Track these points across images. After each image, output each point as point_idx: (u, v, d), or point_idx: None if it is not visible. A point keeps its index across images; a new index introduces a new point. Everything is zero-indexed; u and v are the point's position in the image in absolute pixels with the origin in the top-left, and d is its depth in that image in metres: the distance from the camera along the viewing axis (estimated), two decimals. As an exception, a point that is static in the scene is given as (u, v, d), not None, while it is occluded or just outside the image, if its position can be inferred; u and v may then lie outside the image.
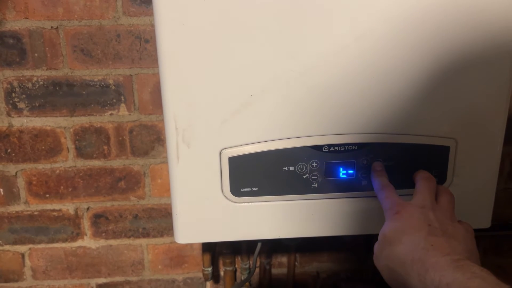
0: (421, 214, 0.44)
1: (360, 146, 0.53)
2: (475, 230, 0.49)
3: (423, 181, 0.50)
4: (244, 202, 0.55)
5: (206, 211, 0.55)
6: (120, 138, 0.84)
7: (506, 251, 0.96)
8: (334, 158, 0.53)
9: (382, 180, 0.52)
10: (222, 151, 0.52)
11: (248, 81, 0.50)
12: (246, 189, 0.54)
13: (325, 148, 0.53)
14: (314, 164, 0.53)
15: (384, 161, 0.54)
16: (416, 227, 0.43)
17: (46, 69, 0.79)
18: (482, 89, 0.52)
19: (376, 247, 0.46)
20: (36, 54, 0.78)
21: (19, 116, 0.82)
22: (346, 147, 0.53)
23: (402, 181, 0.54)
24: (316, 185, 0.54)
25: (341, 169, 0.54)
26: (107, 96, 0.81)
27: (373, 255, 0.47)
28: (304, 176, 0.54)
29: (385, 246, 0.44)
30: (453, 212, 0.47)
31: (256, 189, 0.54)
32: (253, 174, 0.53)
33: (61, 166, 0.85)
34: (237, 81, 0.50)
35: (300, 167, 0.53)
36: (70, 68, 0.79)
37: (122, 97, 0.81)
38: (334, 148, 0.53)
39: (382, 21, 0.48)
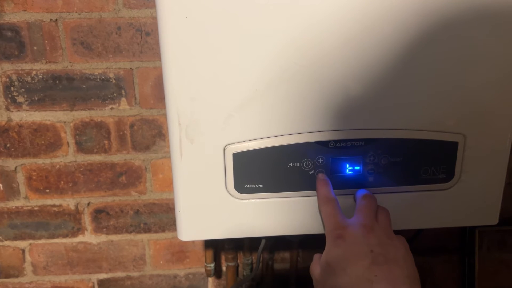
0: (363, 238, 0.45)
1: (367, 141, 0.52)
2: (482, 227, 0.48)
3: (364, 199, 0.50)
4: (249, 199, 0.54)
5: (209, 208, 0.54)
6: (121, 133, 0.83)
7: (510, 246, 0.95)
8: (340, 154, 0.52)
9: (325, 192, 0.51)
10: (226, 147, 0.51)
11: (253, 75, 0.49)
12: (250, 186, 0.53)
13: (331, 144, 0.52)
14: (320, 160, 0.52)
15: (391, 156, 0.53)
16: (359, 255, 0.43)
17: (45, 63, 0.78)
18: (491, 84, 0.51)
19: (318, 273, 0.46)
20: (35, 47, 0.77)
21: (18, 111, 0.80)
22: (352, 142, 0.52)
23: (409, 177, 0.54)
24: (321, 181, 0.53)
25: (347, 165, 0.53)
26: (107, 90, 0.80)
27: (313, 280, 0.47)
28: (310, 173, 0.53)
29: (329, 276, 0.44)
30: (391, 228, 0.48)
31: (261, 185, 0.53)
32: (257, 171, 0.52)
33: (61, 161, 0.84)
34: (242, 76, 0.49)
35: (306, 163, 0.52)
36: (70, 62, 0.78)
37: (123, 91, 0.80)
38: (340, 143, 0.52)
39: (390, 15, 0.47)
